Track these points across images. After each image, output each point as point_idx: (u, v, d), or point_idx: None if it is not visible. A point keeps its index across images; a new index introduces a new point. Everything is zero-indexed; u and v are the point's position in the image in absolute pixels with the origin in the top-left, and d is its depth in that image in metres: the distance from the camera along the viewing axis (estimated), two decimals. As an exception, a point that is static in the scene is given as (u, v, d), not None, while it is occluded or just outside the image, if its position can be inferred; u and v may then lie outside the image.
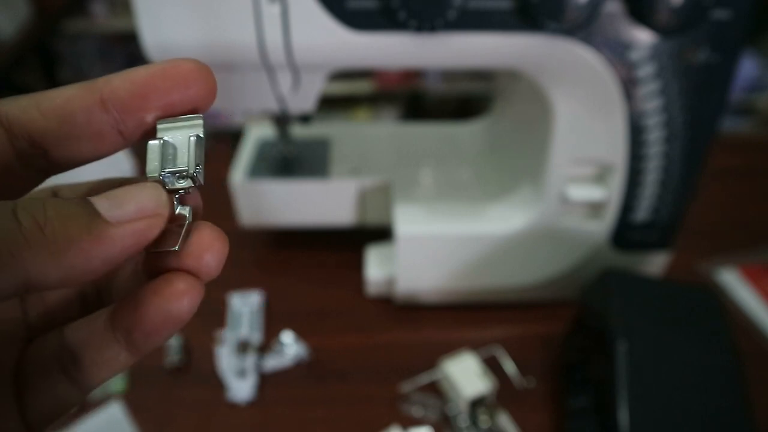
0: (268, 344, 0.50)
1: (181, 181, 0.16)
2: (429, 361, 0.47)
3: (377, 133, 0.63)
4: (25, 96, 0.15)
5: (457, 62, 0.40)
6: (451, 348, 0.48)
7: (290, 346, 0.49)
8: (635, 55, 0.39)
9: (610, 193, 0.46)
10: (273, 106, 0.43)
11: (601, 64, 0.39)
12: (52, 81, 1.63)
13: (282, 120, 0.53)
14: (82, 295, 0.19)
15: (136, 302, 0.15)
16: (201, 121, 0.16)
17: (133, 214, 0.14)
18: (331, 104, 1.71)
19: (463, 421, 0.43)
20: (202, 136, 0.16)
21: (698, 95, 0.40)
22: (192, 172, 0.15)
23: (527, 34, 0.37)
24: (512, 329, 0.52)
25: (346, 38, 0.37)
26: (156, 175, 0.15)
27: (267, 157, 0.57)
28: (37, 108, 0.15)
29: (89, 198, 0.14)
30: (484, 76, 1.64)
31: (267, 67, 0.39)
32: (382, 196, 0.54)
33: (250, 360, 0.48)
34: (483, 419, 0.44)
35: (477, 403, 0.44)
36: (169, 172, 0.15)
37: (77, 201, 0.14)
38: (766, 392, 0.40)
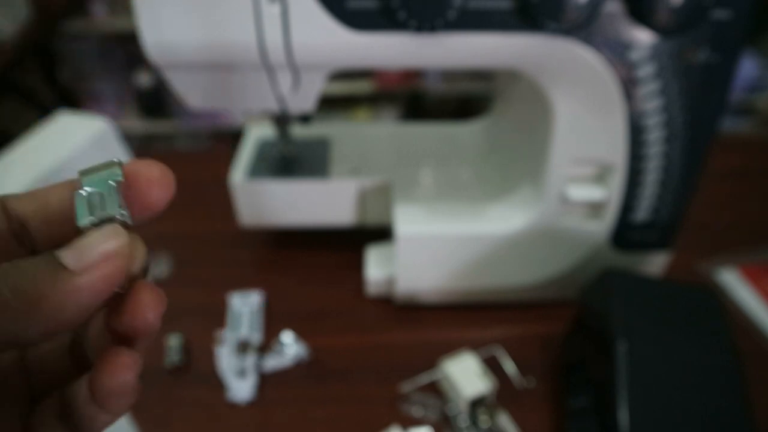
0: (268, 344, 0.50)
1: (107, 213, 0.17)
2: (429, 361, 0.47)
3: (377, 133, 0.63)
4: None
5: (457, 62, 0.40)
6: (451, 348, 0.48)
7: (290, 346, 0.49)
8: (635, 55, 0.39)
9: (610, 193, 0.46)
10: (273, 106, 0.43)
11: (601, 64, 0.39)
12: (52, 81, 1.63)
13: (282, 120, 0.53)
14: (71, 350, 0.20)
15: (94, 373, 0.16)
16: (119, 168, 0.18)
17: (97, 259, 0.15)
18: (331, 104, 1.71)
19: (463, 421, 0.43)
20: (121, 180, 0.17)
21: (698, 95, 0.40)
22: (118, 216, 0.17)
23: (527, 34, 0.37)
24: (512, 329, 0.52)
25: (346, 38, 0.37)
26: (87, 223, 0.16)
27: (267, 157, 0.57)
28: (27, 197, 0.18)
29: (54, 252, 0.15)
30: (484, 76, 1.64)
31: (267, 67, 0.39)
32: (382, 196, 0.54)
33: (250, 360, 0.48)
34: (483, 419, 0.44)
35: (477, 403, 0.44)
36: (98, 219, 0.17)
37: (42, 258, 0.15)
38: (766, 392, 0.40)
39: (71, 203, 0.17)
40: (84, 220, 0.16)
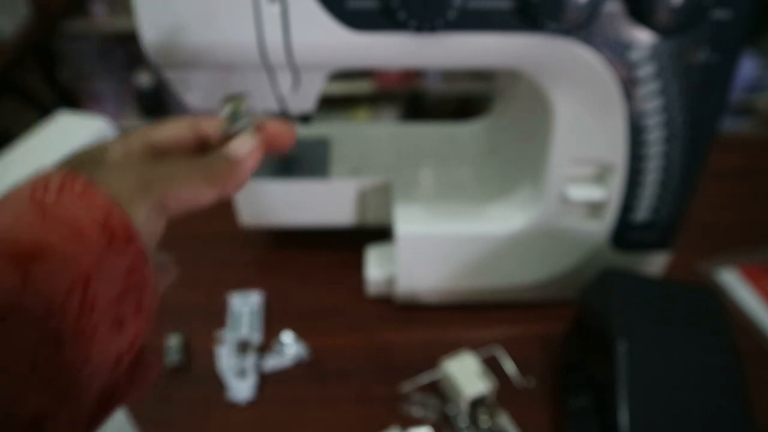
0: (268, 344, 0.50)
1: (245, 123, 0.29)
2: (429, 361, 0.47)
3: (377, 133, 0.63)
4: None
5: (457, 62, 0.40)
6: (451, 348, 0.48)
7: (290, 346, 0.49)
8: (635, 55, 0.39)
9: (610, 193, 0.46)
10: (273, 106, 0.43)
11: (601, 64, 0.39)
12: (52, 81, 1.63)
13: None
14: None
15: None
16: (246, 97, 0.29)
17: (246, 151, 0.27)
18: (331, 104, 1.71)
19: (463, 421, 0.43)
20: (248, 105, 0.29)
21: (698, 95, 0.40)
22: (249, 124, 0.29)
23: (527, 34, 0.37)
24: (512, 329, 0.52)
25: (346, 38, 0.37)
26: (233, 131, 0.29)
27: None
28: (210, 119, 0.29)
29: (226, 153, 0.27)
30: (484, 76, 1.64)
31: (267, 67, 0.39)
32: (382, 196, 0.54)
33: (250, 360, 0.48)
34: (483, 419, 0.44)
35: (477, 403, 0.44)
36: (241, 124, 0.29)
37: (225, 154, 0.27)
38: (766, 392, 0.40)
39: (180, 128, 0.28)
40: (232, 126, 0.28)
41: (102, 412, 0.22)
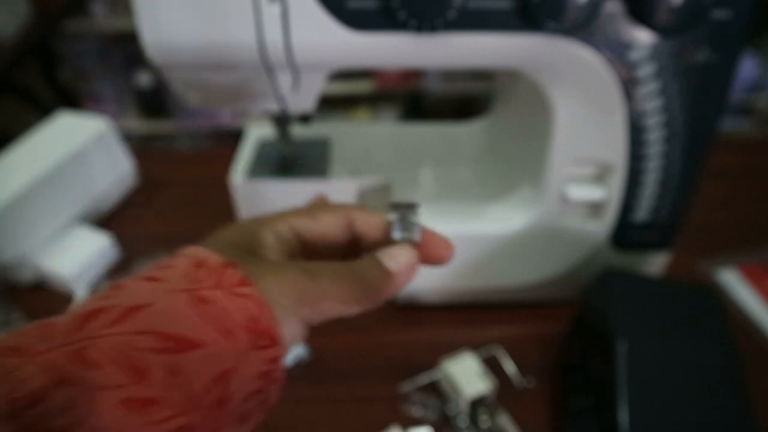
0: (268, 344, 0.50)
1: (410, 235, 0.27)
2: (429, 361, 0.47)
3: (377, 133, 0.63)
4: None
5: (457, 62, 0.40)
6: (451, 348, 0.48)
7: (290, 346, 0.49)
8: (635, 55, 0.39)
9: (610, 193, 0.46)
10: (273, 106, 0.43)
11: (601, 64, 0.39)
12: (52, 81, 1.63)
13: (282, 120, 0.53)
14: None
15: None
16: (418, 209, 0.27)
17: (405, 266, 0.26)
18: (331, 104, 1.71)
19: (463, 421, 0.43)
20: (418, 218, 0.27)
21: (698, 95, 0.40)
22: (416, 238, 0.27)
23: (527, 34, 0.37)
24: (512, 329, 0.52)
25: (346, 38, 0.37)
26: (399, 237, 0.27)
27: (267, 157, 0.57)
28: (306, 219, 0.27)
29: (381, 261, 0.25)
30: (484, 76, 1.64)
31: (267, 67, 0.39)
32: (382, 196, 0.54)
33: (250, 360, 0.48)
34: (483, 419, 0.44)
35: (477, 403, 0.44)
36: (404, 238, 0.27)
37: (375, 260, 0.25)
38: (766, 392, 0.40)
39: (335, 225, 0.26)
40: (397, 235, 0.26)
41: None
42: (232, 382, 0.20)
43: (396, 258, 0.25)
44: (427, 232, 0.27)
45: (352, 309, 0.24)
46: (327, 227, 0.26)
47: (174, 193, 0.70)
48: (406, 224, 0.26)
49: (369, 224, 0.27)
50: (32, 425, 0.17)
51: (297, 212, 0.26)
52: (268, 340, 0.21)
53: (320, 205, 0.27)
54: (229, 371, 0.20)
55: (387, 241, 0.26)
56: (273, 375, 0.23)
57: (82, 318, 0.19)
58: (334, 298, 0.23)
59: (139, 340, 0.19)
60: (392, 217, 0.26)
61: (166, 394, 0.19)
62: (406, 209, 0.27)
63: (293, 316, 0.23)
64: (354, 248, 0.27)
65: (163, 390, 0.19)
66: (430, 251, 0.27)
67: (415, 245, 0.26)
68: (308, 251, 0.26)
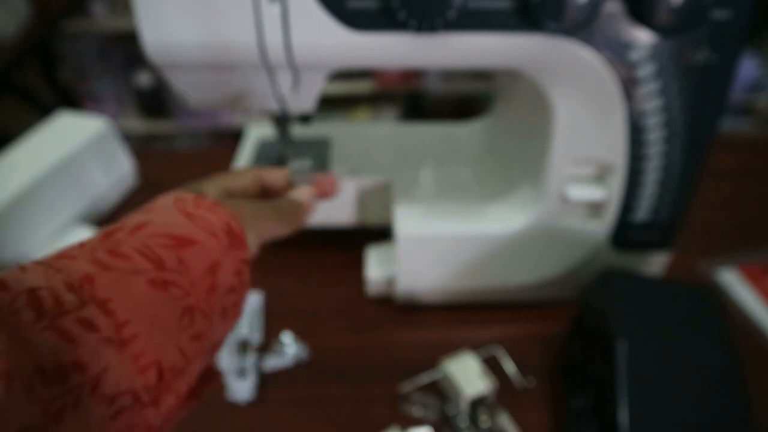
0: (268, 344, 0.50)
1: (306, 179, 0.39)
2: (429, 361, 0.47)
3: (377, 133, 0.63)
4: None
5: (457, 62, 0.40)
6: (451, 348, 0.48)
7: (290, 346, 0.49)
8: (635, 55, 0.39)
9: (610, 193, 0.46)
10: (273, 106, 0.43)
11: (601, 64, 0.39)
12: (52, 81, 1.63)
13: (282, 120, 0.53)
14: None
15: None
16: (311, 162, 0.43)
17: (308, 197, 0.38)
18: (331, 104, 1.71)
19: (463, 421, 0.43)
20: (310, 165, 0.41)
21: (698, 95, 0.40)
22: (311, 180, 0.40)
23: (527, 34, 0.37)
24: (512, 329, 0.52)
25: (346, 38, 0.37)
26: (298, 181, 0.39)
27: (267, 157, 0.57)
28: (274, 174, 0.38)
29: (293, 198, 0.37)
30: (484, 76, 1.64)
31: (267, 67, 0.39)
32: (382, 196, 0.54)
33: (250, 360, 0.48)
34: (483, 419, 0.44)
35: (477, 403, 0.44)
36: (303, 180, 0.39)
37: (293, 200, 0.37)
38: (766, 392, 0.40)
39: (251, 180, 0.36)
40: (298, 180, 0.39)
41: (193, 399, 0.27)
42: (218, 273, 0.27)
43: (301, 193, 0.38)
44: (318, 176, 0.39)
45: (284, 230, 0.34)
46: (245, 183, 0.35)
47: (174, 193, 0.70)
48: (303, 173, 0.38)
49: (275, 177, 0.37)
50: (84, 300, 0.22)
51: (223, 175, 0.35)
52: (240, 242, 0.29)
53: (238, 170, 0.36)
54: (216, 263, 0.27)
55: (290, 188, 0.38)
56: (243, 277, 0.29)
57: (105, 234, 0.26)
58: (269, 218, 0.33)
59: (153, 240, 0.26)
60: (292, 168, 0.38)
61: (176, 277, 0.25)
62: (302, 162, 0.39)
63: (252, 230, 0.31)
64: (264, 197, 0.37)
65: (175, 274, 0.25)
66: (322, 188, 0.39)
67: (312, 185, 0.39)
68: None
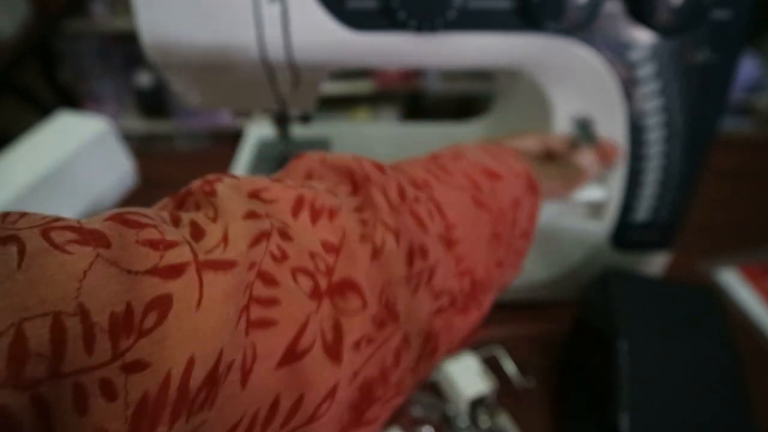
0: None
1: (590, 141, 0.39)
2: (429, 361, 0.47)
3: (377, 133, 0.63)
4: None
5: (457, 62, 0.40)
6: (451, 348, 0.48)
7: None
8: (635, 55, 0.39)
9: (610, 193, 0.46)
10: (273, 106, 0.43)
11: (601, 64, 0.39)
12: (52, 81, 1.63)
13: (282, 120, 0.53)
14: None
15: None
16: (593, 121, 0.39)
17: (590, 162, 0.39)
18: (331, 104, 1.71)
19: (463, 421, 0.43)
20: (594, 127, 0.40)
21: (698, 95, 0.40)
22: (595, 142, 0.40)
23: (527, 34, 0.37)
24: (512, 329, 0.52)
25: (346, 38, 0.37)
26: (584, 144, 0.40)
27: (267, 157, 0.57)
28: (556, 139, 0.41)
29: (576, 162, 0.39)
30: (484, 76, 1.64)
31: (267, 67, 0.39)
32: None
33: (250, 360, 0.48)
34: (483, 419, 0.44)
35: (477, 403, 0.44)
36: (586, 142, 0.39)
37: (576, 164, 0.39)
38: (766, 392, 0.40)
39: (537, 142, 0.39)
40: (581, 142, 0.39)
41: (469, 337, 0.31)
42: (518, 210, 0.30)
43: (584, 158, 0.38)
44: (600, 140, 0.39)
45: (565, 191, 0.37)
46: (531, 145, 0.38)
47: (174, 193, 0.70)
48: (586, 135, 0.39)
49: (557, 141, 0.39)
50: (425, 196, 0.27)
51: (510, 138, 0.38)
52: (535, 189, 0.32)
53: (523, 134, 0.39)
54: (518, 200, 0.30)
55: (573, 151, 0.40)
56: (533, 224, 0.32)
57: (432, 157, 0.31)
58: (556, 179, 0.36)
59: (471, 168, 0.30)
60: (575, 131, 0.39)
61: (490, 201, 0.28)
62: (585, 124, 0.39)
63: (541, 184, 0.33)
64: (547, 160, 0.39)
65: (489, 198, 0.28)
66: (604, 153, 0.39)
67: (594, 148, 0.39)
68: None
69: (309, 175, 0.27)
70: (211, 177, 0.22)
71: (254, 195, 0.22)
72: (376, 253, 0.22)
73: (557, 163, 0.38)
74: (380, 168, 0.27)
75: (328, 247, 0.22)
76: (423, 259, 0.24)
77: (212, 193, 0.21)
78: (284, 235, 0.21)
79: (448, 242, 0.25)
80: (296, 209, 0.22)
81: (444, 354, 0.27)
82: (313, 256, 0.21)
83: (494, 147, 0.33)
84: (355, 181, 0.26)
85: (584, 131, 0.38)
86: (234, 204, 0.20)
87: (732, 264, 0.58)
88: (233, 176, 0.23)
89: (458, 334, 0.27)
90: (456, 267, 0.26)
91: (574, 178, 0.37)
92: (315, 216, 0.22)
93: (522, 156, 0.34)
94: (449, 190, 0.27)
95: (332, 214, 0.23)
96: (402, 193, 0.25)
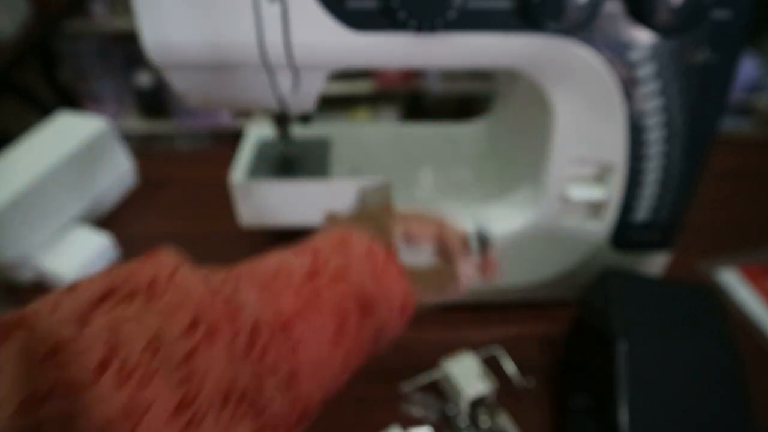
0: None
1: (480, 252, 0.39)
2: (429, 361, 0.47)
3: (377, 133, 0.63)
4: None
5: (457, 62, 0.40)
6: (451, 348, 0.48)
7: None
8: (635, 55, 0.39)
9: (610, 193, 0.46)
10: (273, 106, 0.43)
11: (601, 64, 0.39)
12: (52, 81, 1.63)
13: (282, 120, 0.53)
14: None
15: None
16: (490, 233, 0.41)
17: (471, 276, 0.37)
18: (331, 104, 1.71)
19: (463, 421, 0.43)
20: (491, 238, 0.40)
21: (698, 95, 0.40)
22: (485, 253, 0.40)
23: (527, 34, 0.37)
24: (512, 329, 0.52)
25: (346, 38, 0.37)
26: (474, 251, 0.38)
27: (267, 157, 0.57)
28: (417, 225, 0.38)
29: (456, 271, 0.37)
30: (484, 76, 1.64)
31: (267, 67, 0.39)
32: (382, 196, 0.54)
33: (250, 360, 0.48)
34: (483, 419, 0.44)
35: (477, 403, 0.44)
36: (477, 251, 0.39)
37: (450, 267, 0.37)
38: (766, 392, 0.40)
39: (433, 233, 0.38)
40: (473, 249, 0.38)
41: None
42: (380, 339, 0.31)
43: (466, 268, 0.37)
44: (490, 254, 0.39)
45: (436, 298, 0.36)
46: (427, 235, 0.37)
47: (174, 193, 0.70)
48: (480, 244, 0.38)
49: (455, 240, 0.37)
50: (287, 338, 0.27)
51: (412, 217, 0.37)
52: (407, 311, 0.32)
53: (424, 216, 0.38)
54: (382, 329, 0.31)
55: (464, 250, 0.38)
56: (400, 331, 0.33)
57: (309, 275, 0.29)
58: (431, 288, 0.35)
59: (344, 301, 0.29)
60: (474, 236, 0.39)
61: (349, 338, 0.29)
62: (484, 232, 0.39)
63: (415, 295, 0.33)
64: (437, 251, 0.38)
65: (350, 334, 0.29)
66: (486, 267, 0.39)
67: (482, 259, 0.38)
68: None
69: (152, 285, 0.24)
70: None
71: (49, 357, 0.20)
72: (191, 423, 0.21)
73: (439, 269, 0.37)
74: (234, 312, 0.25)
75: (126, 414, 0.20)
76: (256, 416, 0.24)
77: None
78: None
79: (288, 384, 0.26)
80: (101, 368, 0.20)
81: None
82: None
83: (383, 257, 0.32)
84: (197, 319, 0.23)
85: (480, 239, 0.38)
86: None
87: (732, 264, 0.58)
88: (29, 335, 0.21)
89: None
90: (293, 407, 0.26)
91: (448, 287, 0.36)
92: (122, 379, 0.20)
93: (405, 273, 0.32)
94: (311, 330, 0.27)
95: (144, 379, 0.20)
96: (253, 341, 0.25)
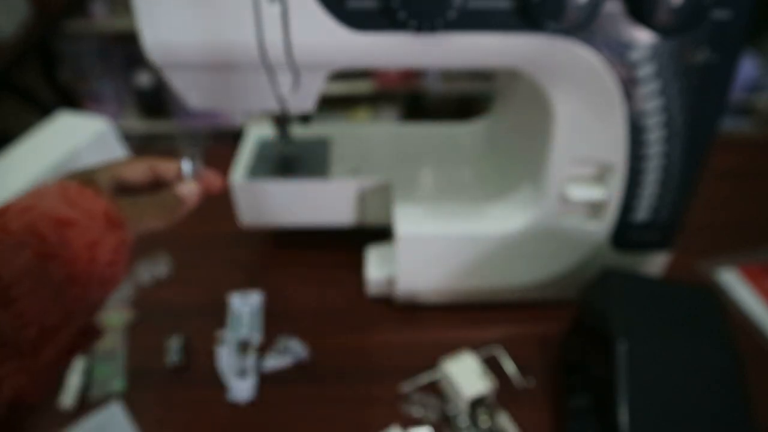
0: (268, 344, 0.50)
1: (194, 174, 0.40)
2: (429, 361, 0.47)
3: (377, 133, 0.63)
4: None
5: (457, 62, 0.40)
6: (451, 348, 0.48)
7: (290, 346, 0.49)
8: (635, 55, 0.39)
9: (610, 193, 0.46)
10: (273, 106, 0.43)
11: (601, 64, 0.39)
12: (52, 81, 1.63)
13: (282, 120, 0.53)
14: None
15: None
16: (200, 154, 0.41)
17: (190, 193, 0.39)
18: (331, 104, 1.71)
19: (463, 421, 0.43)
20: (201, 159, 0.41)
21: (698, 95, 0.40)
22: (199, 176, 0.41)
23: (527, 34, 0.37)
24: (512, 329, 0.52)
25: (346, 38, 0.37)
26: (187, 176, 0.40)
27: (267, 157, 0.57)
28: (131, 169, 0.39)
29: (175, 193, 0.38)
30: (484, 76, 1.64)
31: (267, 67, 0.39)
32: (382, 196, 0.55)
33: (250, 360, 0.48)
34: (483, 419, 0.44)
35: (477, 403, 0.44)
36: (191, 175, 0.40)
37: (174, 196, 0.38)
38: (766, 392, 0.40)
39: (144, 171, 0.39)
40: (186, 175, 0.40)
41: (74, 349, 0.33)
42: (97, 249, 0.31)
43: (185, 189, 0.39)
44: (206, 172, 0.41)
45: (159, 223, 0.37)
46: (138, 173, 0.38)
47: (174, 193, 0.70)
48: (193, 168, 0.40)
49: (167, 168, 0.39)
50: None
51: (117, 164, 0.38)
52: (118, 224, 0.33)
53: (133, 159, 0.39)
54: (95, 242, 0.31)
55: (179, 179, 0.40)
56: (121, 254, 0.33)
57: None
58: (148, 214, 0.36)
59: (39, 220, 0.30)
60: (183, 163, 0.40)
61: (57, 250, 0.30)
62: (192, 155, 0.40)
63: (129, 217, 0.34)
64: (156, 187, 0.39)
65: (56, 248, 0.30)
66: (207, 185, 0.41)
67: (198, 181, 0.40)
68: (125, 190, 0.38)
69: None
70: None
71: None
72: None
73: (156, 194, 0.38)
74: None
75: None
76: None
77: None
78: None
79: (4, 303, 0.28)
80: None
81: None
82: None
83: (76, 189, 0.33)
84: None
85: (191, 164, 0.40)
86: None
87: (732, 264, 0.58)
88: None
89: (35, 370, 0.29)
90: (16, 321, 0.28)
91: (173, 207, 0.38)
92: None
93: (103, 193, 0.34)
94: (4, 251, 0.29)
95: None
96: None
